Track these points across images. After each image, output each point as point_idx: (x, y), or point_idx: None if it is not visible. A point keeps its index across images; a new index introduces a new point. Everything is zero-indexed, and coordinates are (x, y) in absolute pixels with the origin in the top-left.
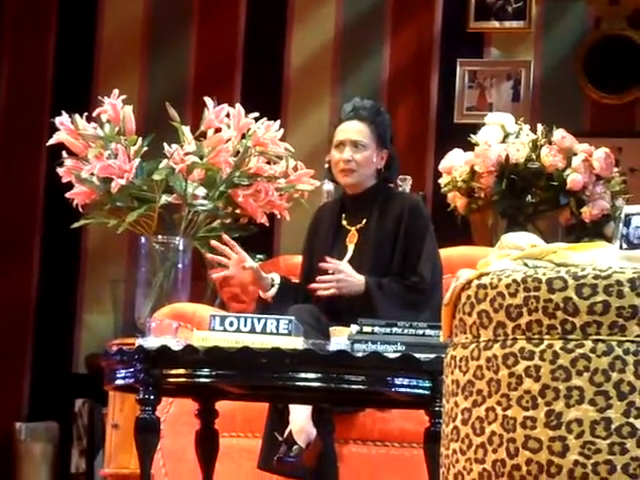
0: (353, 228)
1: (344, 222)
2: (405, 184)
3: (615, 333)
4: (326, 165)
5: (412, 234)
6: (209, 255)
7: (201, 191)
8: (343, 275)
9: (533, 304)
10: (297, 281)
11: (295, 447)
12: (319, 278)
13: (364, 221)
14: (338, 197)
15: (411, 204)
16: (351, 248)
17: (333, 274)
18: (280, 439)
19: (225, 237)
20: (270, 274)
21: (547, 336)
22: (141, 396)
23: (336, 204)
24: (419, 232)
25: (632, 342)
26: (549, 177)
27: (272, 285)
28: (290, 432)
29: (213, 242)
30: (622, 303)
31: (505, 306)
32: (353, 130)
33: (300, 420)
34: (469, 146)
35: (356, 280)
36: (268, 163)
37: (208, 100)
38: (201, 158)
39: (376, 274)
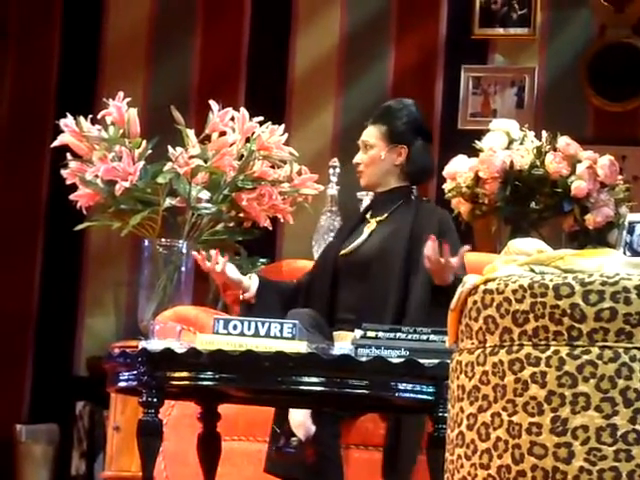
0: (374, 220)
1: (367, 215)
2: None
3: (622, 340)
4: None
5: (450, 240)
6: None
7: (205, 194)
8: (453, 269)
9: (540, 310)
10: (280, 279)
11: (294, 439)
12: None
13: (385, 215)
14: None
15: (442, 217)
16: (366, 232)
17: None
18: (279, 431)
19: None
20: (248, 275)
21: (553, 342)
22: (144, 399)
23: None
24: (455, 237)
25: (639, 349)
26: (553, 184)
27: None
28: (289, 424)
29: (196, 255)
30: (629, 310)
31: (511, 312)
32: (364, 133)
33: (299, 415)
34: (473, 152)
35: (450, 276)
36: (272, 167)
37: (213, 103)
38: (205, 161)
39: (391, 256)
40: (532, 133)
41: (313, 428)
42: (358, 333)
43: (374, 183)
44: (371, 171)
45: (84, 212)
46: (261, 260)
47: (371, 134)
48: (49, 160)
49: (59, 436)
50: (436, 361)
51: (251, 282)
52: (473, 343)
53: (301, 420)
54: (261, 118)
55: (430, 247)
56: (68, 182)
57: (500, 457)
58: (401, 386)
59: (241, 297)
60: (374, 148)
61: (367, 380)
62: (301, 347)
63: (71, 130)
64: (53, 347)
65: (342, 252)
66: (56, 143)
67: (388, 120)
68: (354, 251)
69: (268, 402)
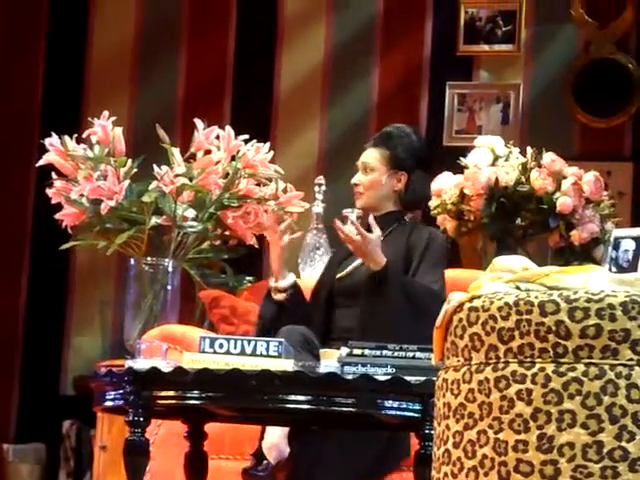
0: None
1: None
2: None
3: (607, 357)
4: None
5: (430, 253)
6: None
7: (190, 213)
8: (374, 241)
9: (525, 327)
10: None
11: (264, 462)
12: (356, 226)
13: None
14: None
15: (431, 234)
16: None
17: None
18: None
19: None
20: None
21: (539, 359)
22: (130, 418)
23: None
24: (436, 253)
25: (624, 366)
26: (539, 200)
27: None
28: (260, 446)
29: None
30: (614, 327)
31: (497, 329)
32: (365, 155)
33: (273, 437)
34: (459, 169)
35: (379, 254)
36: (258, 185)
37: (198, 122)
38: (191, 180)
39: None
40: (517, 149)
41: (287, 450)
42: (344, 351)
43: (372, 206)
44: (370, 194)
45: (70, 231)
46: (247, 278)
47: (372, 157)
48: (34, 179)
49: (46, 455)
50: (422, 378)
51: (288, 275)
52: (459, 360)
53: (274, 442)
54: (246, 136)
55: (343, 228)
56: (53, 201)
57: (486, 475)
58: (387, 403)
59: (274, 284)
60: (375, 172)
61: (353, 398)
62: (287, 365)
63: (56, 149)
64: (40, 366)
65: (338, 275)
66: (41, 162)
67: (390, 145)
68: (350, 274)
69: (254, 420)
